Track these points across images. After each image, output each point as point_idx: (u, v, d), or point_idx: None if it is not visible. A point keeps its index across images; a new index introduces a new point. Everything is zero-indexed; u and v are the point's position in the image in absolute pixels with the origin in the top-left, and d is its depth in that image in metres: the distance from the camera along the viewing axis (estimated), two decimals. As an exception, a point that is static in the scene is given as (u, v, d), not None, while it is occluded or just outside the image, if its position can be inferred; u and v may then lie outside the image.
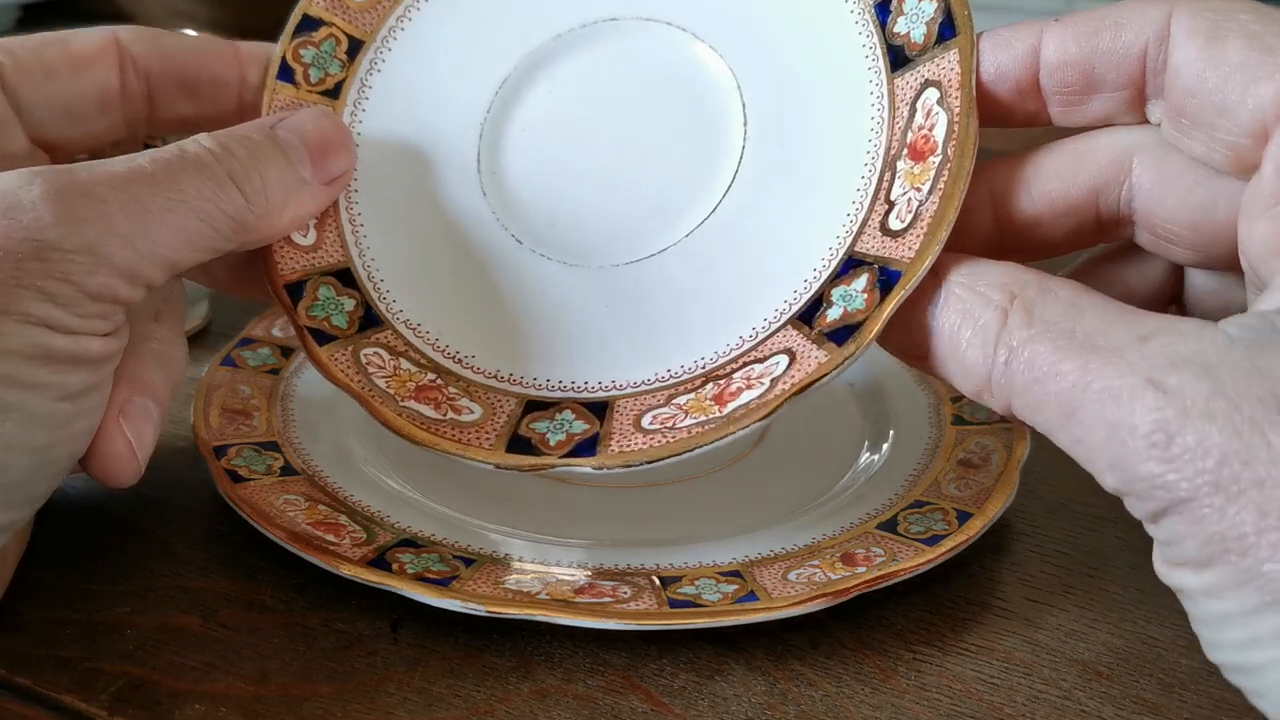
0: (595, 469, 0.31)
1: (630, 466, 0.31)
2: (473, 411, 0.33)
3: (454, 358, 0.34)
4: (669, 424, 0.31)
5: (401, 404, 0.33)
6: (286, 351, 0.44)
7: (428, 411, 0.33)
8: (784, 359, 0.31)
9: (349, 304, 0.35)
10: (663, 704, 0.31)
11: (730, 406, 0.31)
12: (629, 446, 0.31)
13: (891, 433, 0.41)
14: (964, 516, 0.35)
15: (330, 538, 0.34)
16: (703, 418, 0.31)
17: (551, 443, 0.32)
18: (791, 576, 0.33)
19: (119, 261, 0.29)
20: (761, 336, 0.32)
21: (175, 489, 0.39)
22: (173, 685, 0.31)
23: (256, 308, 0.47)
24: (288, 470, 0.38)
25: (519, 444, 0.32)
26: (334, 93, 0.37)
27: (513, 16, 0.38)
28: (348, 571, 0.33)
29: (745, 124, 0.35)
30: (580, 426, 0.32)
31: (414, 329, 0.35)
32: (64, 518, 0.37)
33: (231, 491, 0.36)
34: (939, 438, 0.40)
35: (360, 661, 0.32)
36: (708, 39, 0.36)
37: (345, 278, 0.35)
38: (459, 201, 0.36)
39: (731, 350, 0.33)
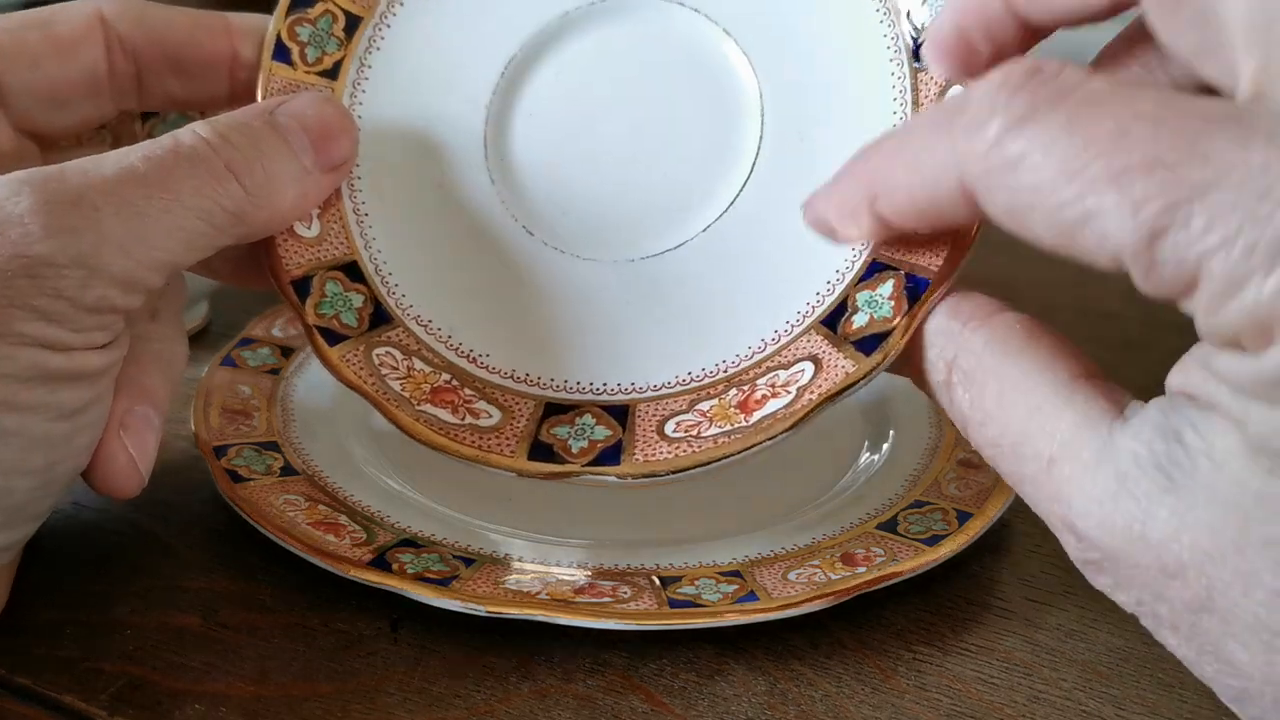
0: (619, 479, 0.31)
1: (655, 476, 0.31)
2: (491, 415, 0.33)
3: (468, 357, 0.34)
4: (693, 432, 0.31)
5: (418, 408, 0.32)
6: (286, 351, 0.44)
7: (445, 416, 0.32)
8: (809, 366, 0.31)
9: (358, 300, 0.34)
10: (663, 704, 0.31)
11: (756, 415, 0.30)
12: (653, 455, 0.31)
13: (891, 433, 0.41)
14: (964, 516, 0.35)
15: (330, 538, 0.34)
16: (728, 426, 0.31)
17: (574, 450, 0.32)
18: (791, 576, 0.33)
19: (115, 271, 0.28)
20: (784, 340, 0.32)
21: (175, 489, 0.39)
22: (173, 685, 0.31)
23: (256, 307, 0.47)
24: (288, 470, 0.38)
25: (540, 450, 0.32)
26: (332, 73, 0.36)
27: None
28: (348, 571, 0.33)
29: (762, 112, 0.34)
30: (602, 433, 0.32)
31: (425, 325, 0.34)
32: (64, 518, 0.37)
33: (231, 491, 0.36)
34: (939, 438, 0.40)
35: (360, 661, 0.32)
36: (721, 21, 0.35)
37: (352, 271, 0.34)
38: (466, 189, 0.35)
39: (754, 354, 0.32)
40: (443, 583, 0.32)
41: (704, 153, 0.34)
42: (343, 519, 0.35)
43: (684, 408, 0.32)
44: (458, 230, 0.35)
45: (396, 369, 0.33)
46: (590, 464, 0.31)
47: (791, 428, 0.30)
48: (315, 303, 0.34)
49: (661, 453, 0.31)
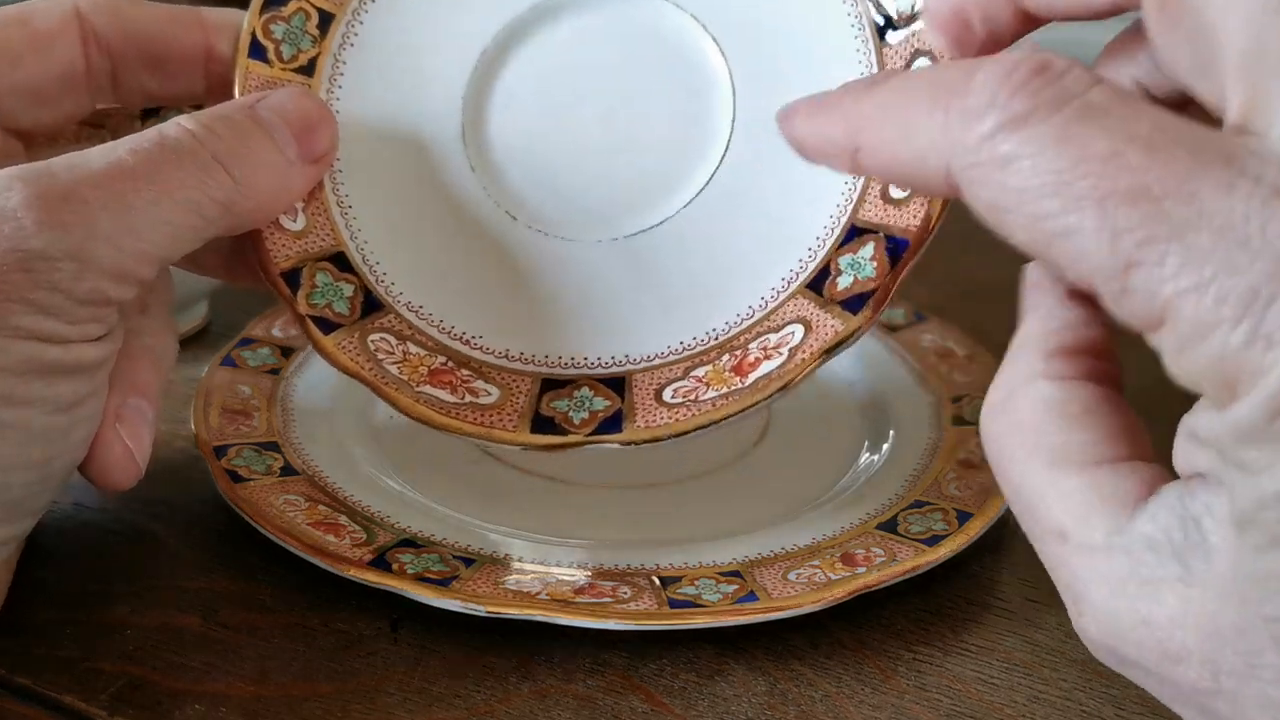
0: (623, 445, 0.31)
1: (658, 440, 0.31)
2: (490, 393, 0.33)
3: (461, 339, 0.34)
4: (691, 396, 0.32)
5: (417, 389, 0.33)
6: (286, 351, 0.44)
7: (445, 396, 0.33)
8: (799, 328, 0.32)
9: (348, 289, 0.34)
10: (663, 704, 0.31)
11: (752, 377, 0.31)
12: (654, 421, 0.32)
13: (891, 433, 0.41)
14: (964, 516, 0.35)
15: (330, 538, 0.34)
16: (725, 389, 0.31)
17: (575, 421, 0.32)
18: (791, 576, 0.33)
19: (106, 263, 0.28)
20: (771, 305, 0.33)
21: (175, 489, 0.39)
22: (173, 685, 0.31)
23: (256, 307, 0.47)
24: (288, 470, 0.38)
25: (542, 424, 0.32)
26: (308, 69, 0.36)
27: None
28: (348, 571, 0.33)
29: (733, 90, 0.35)
30: (601, 403, 0.33)
31: (416, 311, 0.35)
32: (63, 517, 0.37)
33: (231, 491, 0.36)
34: (939, 438, 0.40)
35: (360, 661, 0.32)
36: (687, 6, 0.35)
37: (340, 261, 0.35)
38: (447, 178, 0.36)
39: (743, 320, 0.33)
40: (443, 583, 0.32)
41: (680, 133, 0.35)
42: (343, 519, 0.35)
43: (679, 375, 0.33)
44: (441, 218, 0.36)
45: (392, 353, 0.34)
46: (593, 434, 0.32)
47: (786, 386, 0.31)
48: (306, 293, 0.34)
49: (662, 418, 0.32)
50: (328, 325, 0.34)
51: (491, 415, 0.33)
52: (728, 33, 0.35)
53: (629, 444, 0.31)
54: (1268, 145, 0.20)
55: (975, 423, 0.40)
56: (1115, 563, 0.22)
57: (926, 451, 0.40)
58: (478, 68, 0.36)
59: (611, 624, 0.31)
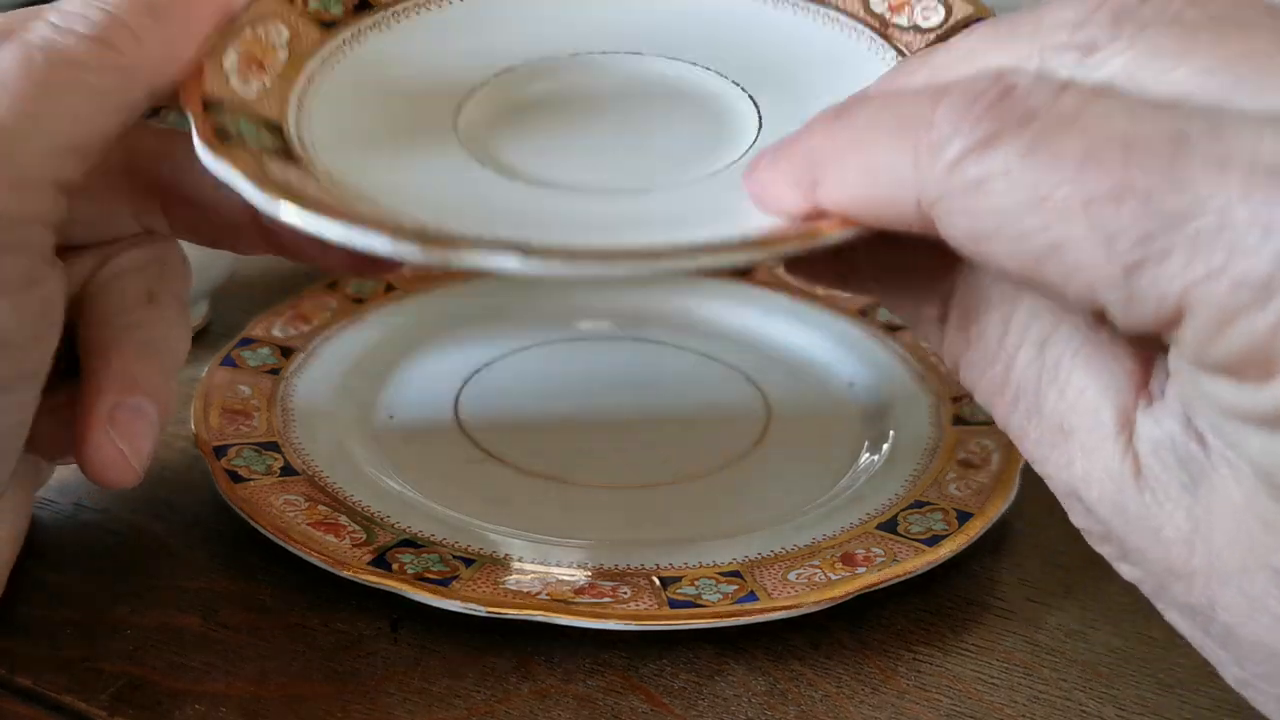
0: (525, 255, 0.24)
1: (574, 259, 0.24)
2: None
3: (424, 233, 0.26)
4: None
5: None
6: (286, 351, 0.44)
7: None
8: None
9: (269, 140, 0.29)
10: (663, 704, 0.31)
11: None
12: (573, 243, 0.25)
13: (891, 433, 0.41)
14: (964, 516, 0.35)
15: (330, 538, 0.34)
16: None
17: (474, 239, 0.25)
18: (791, 576, 0.33)
19: None
20: None
21: (175, 489, 0.39)
22: (173, 685, 0.31)
23: (256, 308, 0.47)
24: (288, 470, 0.38)
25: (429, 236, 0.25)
26: (328, 25, 0.33)
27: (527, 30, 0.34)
28: (348, 572, 0.33)
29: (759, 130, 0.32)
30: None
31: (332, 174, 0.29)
32: (63, 518, 0.37)
33: (231, 491, 0.36)
34: (939, 438, 0.40)
35: (360, 661, 0.32)
36: (714, 66, 0.33)
37: (272, 128, 0.29)
38: (435, 143, 0.31)
39: None
40: (443, 583, 0.32)
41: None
42: (343, 519, 0.35)
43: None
44: (409, 160, 0.31)
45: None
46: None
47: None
48: (219, 121, 0.28)
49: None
50: (227, 136, 0.28)
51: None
52: (764, 92, 0.32)
53: (529, 254, 0.24)
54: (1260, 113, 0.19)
55: (975, 423, 0.40)
56: (1125, 461, 0.21)
57: (926, 451, 0.40)
58: (496, 83, 0.33)
59: (611, 624, 0.31)
